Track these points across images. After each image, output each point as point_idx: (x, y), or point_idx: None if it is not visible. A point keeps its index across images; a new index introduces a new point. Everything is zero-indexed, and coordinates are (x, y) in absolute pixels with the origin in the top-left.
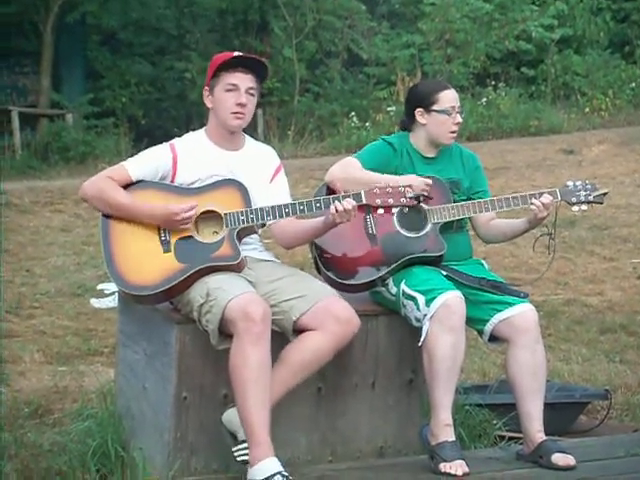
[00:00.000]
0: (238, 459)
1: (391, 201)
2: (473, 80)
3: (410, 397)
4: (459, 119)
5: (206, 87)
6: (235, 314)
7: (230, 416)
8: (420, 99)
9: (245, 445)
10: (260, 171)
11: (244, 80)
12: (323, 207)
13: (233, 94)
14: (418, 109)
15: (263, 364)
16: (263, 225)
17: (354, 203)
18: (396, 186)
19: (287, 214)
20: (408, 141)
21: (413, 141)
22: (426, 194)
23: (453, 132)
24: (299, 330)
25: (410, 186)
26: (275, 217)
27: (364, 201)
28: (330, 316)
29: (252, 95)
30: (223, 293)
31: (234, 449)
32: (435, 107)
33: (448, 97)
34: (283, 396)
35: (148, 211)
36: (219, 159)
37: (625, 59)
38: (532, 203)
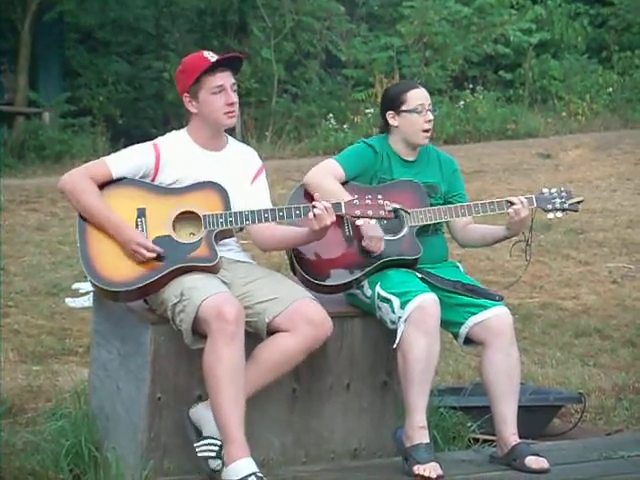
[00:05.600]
0: (199, 455)
1: (370, 213)
2: (451, 83)
3: (384, 399)
4: (430, 116)
5: (186, 94)
6: (209, 314)
7: (199, 411)
8: (389, 101)
9: (207, 442)
10: (241, 172)
11: (227, 78)
12: (302, 214)
13: (221, 95)
14: (389, 112)
15: (237, 364)
16: (241, 229)
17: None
18: (375, 198)
19: (266, 219)
20: (387, 144)
21: (392, 144)
22: (404, 207)
23: (426, 131)
24: (273, 332)
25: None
26: (254, 221)
27: (343, 211)
28: (303, 318)
29: (235, 91)
30: (197, 292)
31: (196, 444)
32: (404, 107)
33: (416, 96)
34: (254, 395)
35: (116, 225)
36: (201, 159)
37: (602, 64)
38: (510, 203)
